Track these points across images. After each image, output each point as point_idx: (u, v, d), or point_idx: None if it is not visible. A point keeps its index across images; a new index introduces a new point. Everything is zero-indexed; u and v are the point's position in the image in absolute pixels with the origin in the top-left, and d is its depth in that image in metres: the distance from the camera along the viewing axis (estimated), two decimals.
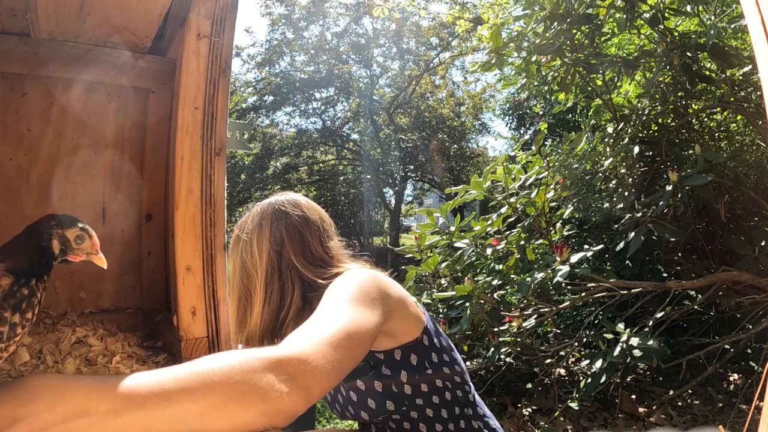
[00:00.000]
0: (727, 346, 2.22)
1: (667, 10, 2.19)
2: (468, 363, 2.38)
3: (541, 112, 5.03)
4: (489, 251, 2.40)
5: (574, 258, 1.96)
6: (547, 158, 2.42)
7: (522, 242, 2.37)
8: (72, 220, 0.57)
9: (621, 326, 1.99)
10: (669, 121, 2.71)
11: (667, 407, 2.26)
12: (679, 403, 2.30)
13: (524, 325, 2.16)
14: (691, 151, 2.23)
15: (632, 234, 2.10)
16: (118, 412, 0.44)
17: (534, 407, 2.37)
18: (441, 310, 2.44)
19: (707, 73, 2.38)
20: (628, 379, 2.47)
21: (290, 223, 0.96)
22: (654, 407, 2.26)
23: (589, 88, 2.62)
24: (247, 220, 1.00)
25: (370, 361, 0.87)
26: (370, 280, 0.82)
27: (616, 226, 2.50)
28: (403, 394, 0.85)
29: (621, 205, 2.52)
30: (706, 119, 2.85)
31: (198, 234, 0.85)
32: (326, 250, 0.97)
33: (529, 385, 2.48)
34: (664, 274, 2.73)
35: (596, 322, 2.49)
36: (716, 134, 2.87)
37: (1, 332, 0.47)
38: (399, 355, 0.87)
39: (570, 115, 4.41)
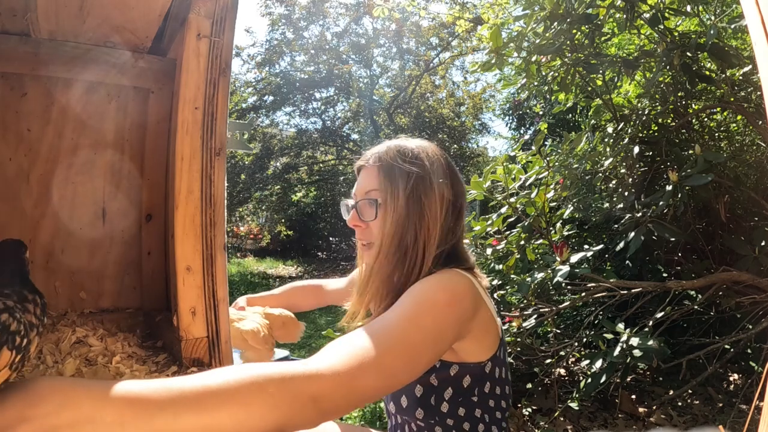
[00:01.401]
0: (727, 346, 2.22)
1: (667, 10, 2.19)
2: None
3: (541, 112, 5.03)
4: (489, 251, 2.39)
5: (574, 258, 1.96)
6: (547, 158, 2.42)
7: (522, 242, 2.37)
8: (20, 243, 0.59)
9: (621, 326, 1.99)
10: (669, 121, 2.71)
11: (667, 407, 2.26)
12: (679, 403, 2.30)
13: (524, 325, 2.16)
14: (691, 151, 2.22)
15: (632, 234, 2.10)
16: (125, 423, 0.44)
17: (534, 407, 2.37)
18: None
19: (707, 73, 2.38)
20: (628, 379, 2.47)
21: (459, 183, 0.89)
22: (654, 407, 2.26)
23: (589, 88, 2.62)
24: (419, 154, 0.87)
25: None
26: (462, 293, 0.74)
27: (616, 226, 2.50)
28: (438, 410, 0.80)
29: (621, 205, 2.52)
30: (706, 119, 2.85)
31: (198, 234, 0.85)
32: (455, 232, 0.89)
33: (529, 385, 2.48)
34: (664, 274, 2.73)
35: (596, 322, 2.49)
36: (716, 134, 2.87)
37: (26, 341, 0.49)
38: (454, 372, 0.80)
39: (570, 115, 4.41)
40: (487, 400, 0.82)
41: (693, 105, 2.65)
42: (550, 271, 1.97)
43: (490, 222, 2.44)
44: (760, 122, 2.21)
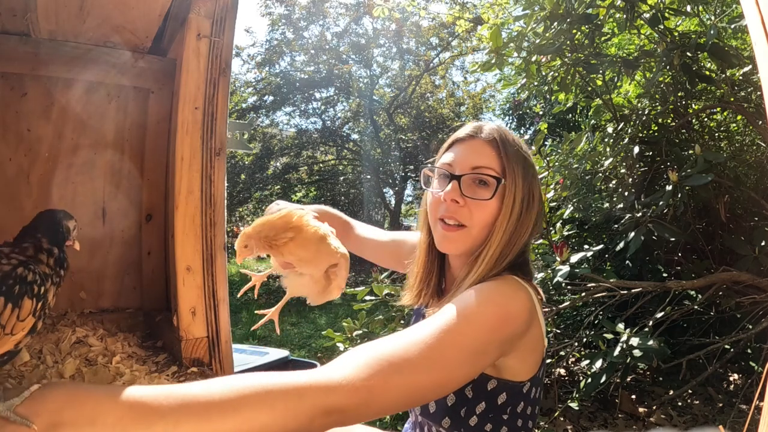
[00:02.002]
0: (727, 346, 2.22)
1: (667, 10, 2.19)
2: None
3: (541, 112, 5.03)
4: None
5: (574, 258, 1.96)
6: (547, 158, 2.42)
7: None
8: (68, 214, 0.67)
9: (621, 326, 1.99)
10: (669, 121, 2.71)
11: (667, 407, 2.26)
12: (679, 403, 2.30)
13: None
14: (691, 151, 2.22)
15: (632, 234, 2.10)
16: (125, 427, 0.45)
17: None
18: None
19: (707, 73, 2.38)
20: (628, 379, 2.46)
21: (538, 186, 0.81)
22: (654, 407, 2.26)
23: (589, 88, 2.62)
24: (524, 144, 0.81)
25: None
26: (517, 312, 0.68)
27: (616, 226, 2.50)
28: (465, 422, 0.76)
29: (621, 205, 2.52)
30: (706, 119, 2.85)
31: (198, 234, 0.85)
32: (532, 236, 0.80)
33: None
34: (664, 274, 2.73)
35: (596, 322, 2.49)
36: (716, 134, 2.87)
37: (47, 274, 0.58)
38: (491, 386, 0.74)
39: (570, 115, 4.41)
40: (517, 419, 0.77)
41: (693, 105, 2.65)
42: (550, 271, 1.97)
43: None
44: (760, 122, 2.21)
